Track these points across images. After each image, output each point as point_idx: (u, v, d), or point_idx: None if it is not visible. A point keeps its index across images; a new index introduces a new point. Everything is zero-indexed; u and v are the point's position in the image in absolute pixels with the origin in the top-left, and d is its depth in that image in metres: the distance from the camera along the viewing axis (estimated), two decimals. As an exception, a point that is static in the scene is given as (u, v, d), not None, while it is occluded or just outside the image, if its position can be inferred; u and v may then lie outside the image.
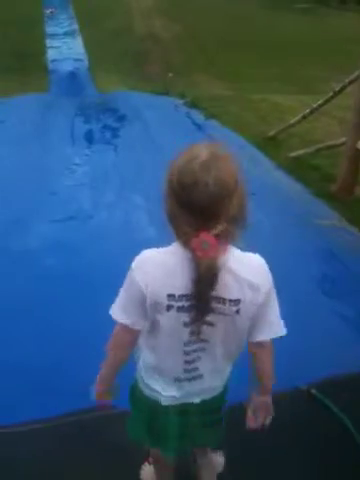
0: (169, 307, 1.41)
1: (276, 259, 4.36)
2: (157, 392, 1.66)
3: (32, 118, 8.46)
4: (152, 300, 1.42)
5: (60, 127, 8.06)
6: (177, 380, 1.60)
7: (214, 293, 1.36)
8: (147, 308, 1.44)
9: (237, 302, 1.41)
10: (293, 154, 6.73)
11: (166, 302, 1.40)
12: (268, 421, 1.75)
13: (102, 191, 5.65)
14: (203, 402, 1.69)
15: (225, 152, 1.34)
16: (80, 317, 3.37)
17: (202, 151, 1.31)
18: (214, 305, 1.39)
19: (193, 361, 1.55)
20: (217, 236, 1.29)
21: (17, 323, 3.34)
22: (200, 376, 1.60)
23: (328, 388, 2.81)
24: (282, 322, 1.55)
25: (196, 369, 1.58)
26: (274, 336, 1.55)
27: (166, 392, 1.64)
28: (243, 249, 1.44)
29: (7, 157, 6.57)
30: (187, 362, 1.55)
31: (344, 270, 4.27)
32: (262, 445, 2.31)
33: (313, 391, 2.74)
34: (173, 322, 1.44)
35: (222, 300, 1.40)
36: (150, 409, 1.73)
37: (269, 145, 7.17)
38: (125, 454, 2.32)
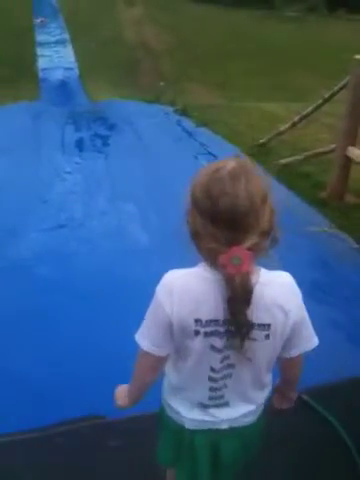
0: (196, 332, 1.32)
1: (267, 266, 4.39)
2: (180, 414, 1.57)
3: (23, 126, 8.45)
4: (179, 325, 1.33)
5: (51, 135, 8.05)
6: (202, 406, 1.52)
7: (247, 316, 1.26)
8: (174, 333, 1.36)
9: (267, 327, 1.32)
10: (283, 161, 6.76)
11: (193, 327, 1.31)
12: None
13: (93, 199, 5.65)
14: (232, 429, 1.56)
15: (253, 165, 1.28)
16: (74, 325, 3.37)
17: (229, 162, 1.24)
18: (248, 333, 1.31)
19: (220, 389, 1.47)
20: (249, 250, 1.19)
21: (11, 333, 3.33)
22: (226, 404, 1.51)
23: (320, 394, 2.82)
24: (315, 335, 1.48)
25: (221, 397, 1.50)
26: (308, 350, 1.48)
27: (189, 414, 1.55)
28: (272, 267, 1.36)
29: (-2, 165, 6.57)
30: (213, 389, 1.47)
31: (336, 277, 4.29)
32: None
33: (305, 397, 2.74)
34: (201, 348, 1.35)
35: (252, 325, 1.29)
36: (175, 434, 1.63)
37: (259, 152, 7.19)
38: (124, 464, 2.31)
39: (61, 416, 2.61)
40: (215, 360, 1.38)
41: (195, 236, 1.26)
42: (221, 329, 1.31)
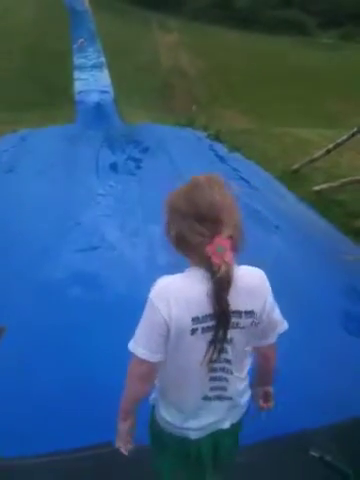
0: (194, 331, 1.43)
1: (300, 294, 4.34)
2: (182, 427, 1.62)
3: (58, 149, 8.64)
4: (176, 328, 1.42)
5: (86, 158, 8.19)
6: (206, 399, 1.58)
7: (231, 308, 1.41)
8: (170, 337, 1.45)
9: (251, 314, 1.48)
10: (317, 188, 6.72)
11: (190, 326, 1.42)
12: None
13: (126, 222, 5.69)
14: (232, 426, 1.68)
15: (222, 178, 1.50)
16: (103, 347, 3.36)
17: (204, 176, 1.48)
18: (234, 319, 1.45)
19: (219, 379, 1.56)
20: (229, 239, 1.37)
21: (41, 352, 3.35)
22: (229, 398, 1.61)
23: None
24: (284, 319, 1.64)
25: (224, 388, 1.58)
26: (280, 333, 1.64)
27: (193, 423, 1.61)
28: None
29: (34, 187, 6.70)
30: (213, 379, 1.55)
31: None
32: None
33: (328, 458, 2.62)
34: (197, 344, 1.45)
35: (238, 313, 1.46)
36: (178, 451, 1.70)
37: (292, 179, 7.17)
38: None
39: (85, 439, 2.59)
40: (210, 352, 1.46)
41: (181, 240, 1.43)
42: (214, 322, 1.42)
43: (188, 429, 1.62)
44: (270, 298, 1.54)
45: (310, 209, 6.32)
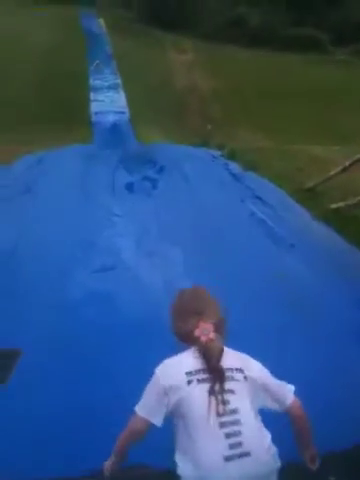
0: (190, 382, 1.70)
1: (317, 313, 4.29)
2: None
3: (75, 169, 8.74)
4: (174, 390, 1.70)
5: (101, 178, 8.28)
6: (226, 459, 1.61)
7: (223, 365, 1.72)
8: (169, 399, 1.70)
9: (241, 370, 1.75)
10: (333, 206, 6.69)
11: (186, 379, 1.70)
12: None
13: (141, 242, 5.71)
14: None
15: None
16: (117, 368, 3.36)
17: (189, 289, 2.02)
18: (227, 374, 1.71)
19: (234, 435, 1.64)
20: (212, 325, 1.76)
21: (54, 372, 3.35)
22: (247, 454, 1.63)
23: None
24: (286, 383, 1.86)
25: (240, 444, 1.63)
26: (292, 391, 1.83)
27: None
28: None
29: (50, 207, 6.78)
30: (228, 436, 1.64)
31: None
32: None
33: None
34: (198, 393, 1.68)
35: (230, 369, 1.74)
36: None
37: (308, 197, 7.16)
38: None
39: (92, 463, 2.56)
40: (216, 405, 1.66)
41: (183, 334, 1.83)
42: (207, 376, 1.70)
43: None
44: (260, 365, 1.83)
45: (326, 227, 6.28)
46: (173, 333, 1.90)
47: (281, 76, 18.57)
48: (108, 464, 1.92)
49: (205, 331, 1.74)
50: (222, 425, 1.64)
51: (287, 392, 1.83)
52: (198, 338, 1.74)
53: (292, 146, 10.43)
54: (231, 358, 1.78)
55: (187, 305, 1.89)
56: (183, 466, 1.69)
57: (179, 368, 1.74)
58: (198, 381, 1.69)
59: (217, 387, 1.67)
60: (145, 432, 1.79)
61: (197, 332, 1.74)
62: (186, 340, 1.82)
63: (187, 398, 1.68)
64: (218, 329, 1.79)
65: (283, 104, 14.80)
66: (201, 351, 1.73)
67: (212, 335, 1.75)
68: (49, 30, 22.93)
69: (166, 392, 1.71)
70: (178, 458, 1.72)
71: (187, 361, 1.76)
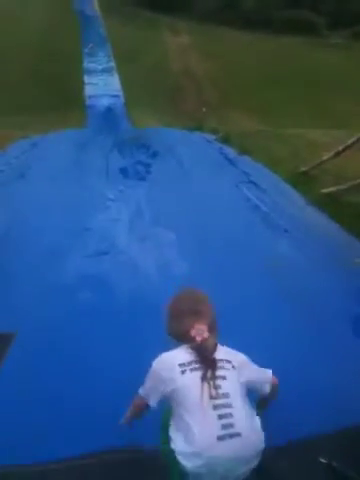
0: (183, 372, 1.87)
1: (310, 298, 4.33)
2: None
3: (69, 154, 8.70)
4: (169, 381, 1.87)
5: (95, 162, 8.25)
6: (219, 439, 1.75)
7: (215, 356, 1.90)
8: (165, 390, 1.88)
9: (229, 361, 1.93)
10: (326, 190, 6.69)
11: (179, 369, 1.88)
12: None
13: (135, 226, 5.71)
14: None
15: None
16: (111, 352, 3.37)
17: (187, 290, 2.20)
18: (218, 364, 1.89)
19: (225, 416, 1.79)
20: (207, 326, 1.95)
21: (48, 356, 3.37)
22: (238, 434, 1.77)
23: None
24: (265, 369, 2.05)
25: (232, 425, 1.78)
26: (270, 378, 2.02)
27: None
28: None
29: (44, 191, 6.76)
30: (220, 417, 1.78)
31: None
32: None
33: (334, 464, 2.61)
34: (191, 380, 1.84)
35: (220, 360, 1.91)
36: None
37: (302, 181, 7.15)
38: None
39: (91, 445, 2.60)
40: (209, 388, 1.82)
41: (178, 335, 2.00)
42: (199, 365, 1.87)
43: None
44: (244, 356, 2.01)
45: (319, 211, 6.29)
46: (167, 333, 2.08)
47: (277, 59, 18.46)
48: (126, 416, 2.19)
49: (200, 331, 1.93)
50: (215, 407, 1.79)
51: (267, 378, 2.02)
52: (194, 338, 1.92)
53: (287, 130, 10.39)
54: (221, 352, 1.95)
55: (183, 306, 2.07)
56: (177, 441, 1.83)
57: (173, 360, 1.91)
58: (191, 370, 1.87)
59: (209, 374, 1.84)
60: (145, 408, 2.05)
61: (193, 332, 1.93)
62: (181, 340, 1.99)
63: (182, 387, 1.85)
64: (211, 329, 1.98)
65: (278, 87, 14.74)
66: (194, 347, 1.91)
67: (206, 334, 1.93)
68: (42, 12, 22.62)
69: (162, 382, 1.89)
70: (172, 434, 1.88)
71: (181, 355, 1.93)
